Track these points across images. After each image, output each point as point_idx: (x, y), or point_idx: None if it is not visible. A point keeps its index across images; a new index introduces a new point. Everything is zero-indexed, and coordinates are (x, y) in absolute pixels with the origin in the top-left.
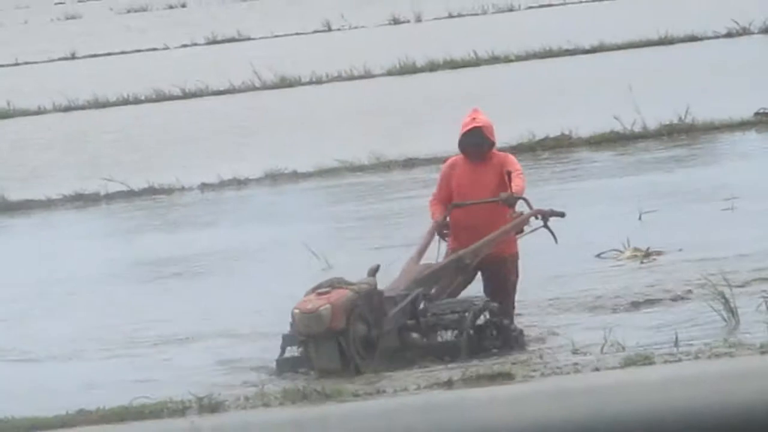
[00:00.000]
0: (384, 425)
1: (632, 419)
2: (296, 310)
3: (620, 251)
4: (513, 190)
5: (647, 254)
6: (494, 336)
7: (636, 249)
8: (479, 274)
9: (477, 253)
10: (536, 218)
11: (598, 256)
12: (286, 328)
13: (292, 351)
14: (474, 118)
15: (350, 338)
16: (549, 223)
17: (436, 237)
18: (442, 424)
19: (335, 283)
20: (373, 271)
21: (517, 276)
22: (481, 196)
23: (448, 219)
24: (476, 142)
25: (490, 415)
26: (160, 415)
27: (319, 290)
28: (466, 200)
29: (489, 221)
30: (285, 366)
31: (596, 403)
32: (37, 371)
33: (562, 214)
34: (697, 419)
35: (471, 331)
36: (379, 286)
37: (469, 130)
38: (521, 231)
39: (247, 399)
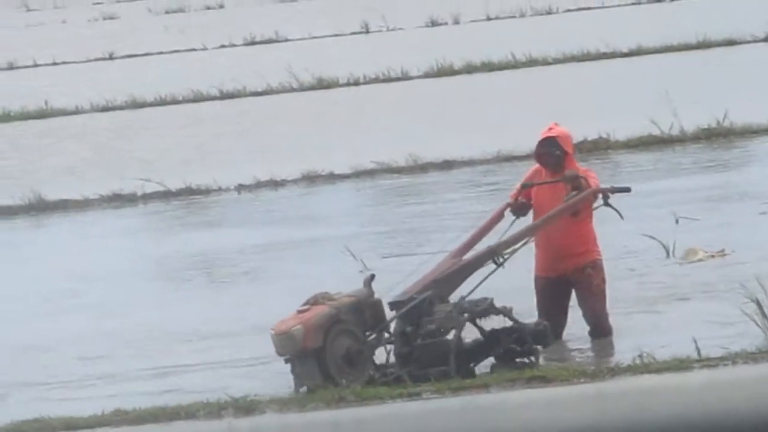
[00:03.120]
0: (421, 427)
1: (670, 424)
2: (272, 331)
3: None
4: (584, 181)
5: (723, 254)
6: (485, 351)
7: (700, 250)
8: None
9: (515, 242)
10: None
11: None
12: None
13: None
14: (550, 128)
15: (327, 356)
16: (611, 201)
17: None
18: (480, 426)
19: (319, 299)
20: (368, 282)
21: (603, 281)
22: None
23: (523, 200)
24: (549, 152)
25: (527, 418)
26: (195, 416)
27: (300, 308)
28: (545, 211)
29: (569, 239)
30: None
31: (634, 407)
32: (71, 370)
33: (627, 189)
34: (734, 424)
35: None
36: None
37: (544, 140)
38: (576, 213)
39: (282, 401)
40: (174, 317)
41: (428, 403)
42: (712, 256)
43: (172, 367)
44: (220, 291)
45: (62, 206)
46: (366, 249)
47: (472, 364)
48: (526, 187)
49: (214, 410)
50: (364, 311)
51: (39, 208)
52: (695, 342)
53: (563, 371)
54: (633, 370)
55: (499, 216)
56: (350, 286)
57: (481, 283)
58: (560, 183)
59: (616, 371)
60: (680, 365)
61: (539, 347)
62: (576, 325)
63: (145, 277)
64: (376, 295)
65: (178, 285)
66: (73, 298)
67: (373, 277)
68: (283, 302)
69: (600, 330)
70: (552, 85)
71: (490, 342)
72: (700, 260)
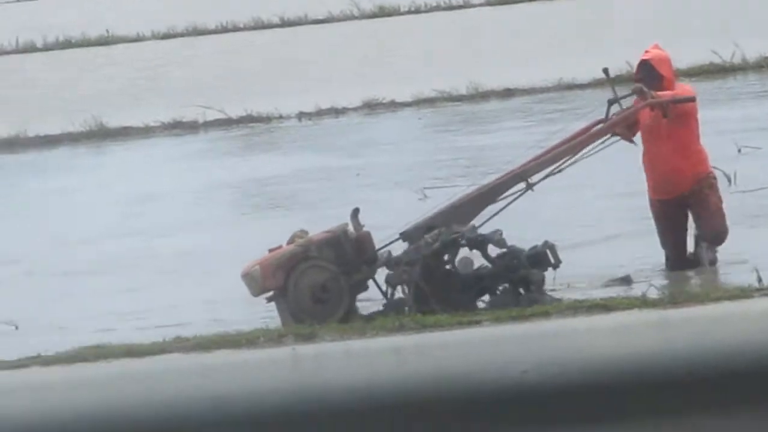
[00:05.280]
0: (482, 355)
1: (732, 352)
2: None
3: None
4: (655, 93)
5: None
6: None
7: None
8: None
9: (546, 165)
10: (652, 110)
11: None
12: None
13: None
14: (647, 51)
15: (289, 295)
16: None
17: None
18: (542, 353)
19: (294, 237)
20: (354, 215)
21: (720, 200)
22: (656, 134)
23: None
24: (641, 77)
25: (590, 345)
26: (256, 343)
27: (271, 248)
28: (648, 135)
29: (677, 160)
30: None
31: (696, 335)
32: (132, 295)
33: (691, 99)
34: None
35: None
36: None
37: (639, 64)
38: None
39: (342, 329)
40: (232, 243)
41: (488, 330)
42: None
43: (228, 296)
44: (279, 217)
45: (123, 133)
46: (424, 177)
47: (473, 296)
48: (611, 103)
49: (275, 338)
50: (343, 246)
51: (100, 135)
52: (757, 271)
53: (624, 300)
54: (695, 299)
55: (588, 138)
56: (407, 215)
57: (505, 207)
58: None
59: (678, 300)
60: (741, 294)
61: (545, 270)
62: (638, 252)
63: (204, 204)
64: (365, 228)
65: (237, 211)
66: (132, 223)
67: (357, 210)
68: None
69: (720, 243)
70: (614, 12)
71: (484, 273)
72: None
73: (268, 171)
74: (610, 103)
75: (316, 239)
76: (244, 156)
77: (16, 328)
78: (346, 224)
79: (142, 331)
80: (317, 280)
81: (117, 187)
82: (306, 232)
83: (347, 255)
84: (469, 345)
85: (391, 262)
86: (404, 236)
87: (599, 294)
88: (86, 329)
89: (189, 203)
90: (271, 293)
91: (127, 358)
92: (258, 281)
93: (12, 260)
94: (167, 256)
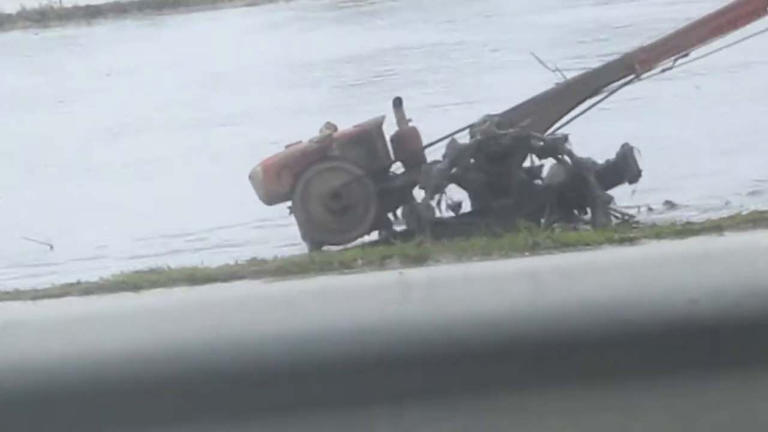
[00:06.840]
0: (640, 278)
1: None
2: None
3: None
4: None
5: None
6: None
7: None
8: None
9: (661, 51)
10: None
11: None
12: None
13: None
14: None
15: (296, 202)
16: None
17: None
18: (714, 276)
19: (322, 130)
20: (397, 104)
21: None
22: None
23: None
24: None
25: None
26: (353, 267)
27: (290, 144)
28: None
29: None
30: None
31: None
32: (190, 204)
33: None
34: None
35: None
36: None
37: None
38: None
39: (461, 248)
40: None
41: (645, 249)
42: None
43: None
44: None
45: (183, 3)
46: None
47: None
48: None
49: (376, 260)
50: (374, 143)
51: (155, 5)
52: None
53: None
54: None
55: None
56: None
57: (603, 99)
58: None
59: None
60: None
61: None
62: None
63: (285, 88)
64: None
65: (323, 96)
66: (192, 112)
67: (400, 100)
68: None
69: None
70: None
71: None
72: None
73: (363, 47)
74: None
75: (340, 135)
76: (333, 30)
77: (51, 247)
78: (383, 117)
79: (205, 252)
80: (331, 186)
81: (174, 69)
82: (334, 126)
83: (379, 155)
84: (620, 268)
85: (431, 167)
86: (472, 131)
87: None
88: (132, 249)
89: (266, 86)
90: (290, 202)
91: (188, 285)
92: (260, 182)
93: (46, 163)
94: (234, 153)
